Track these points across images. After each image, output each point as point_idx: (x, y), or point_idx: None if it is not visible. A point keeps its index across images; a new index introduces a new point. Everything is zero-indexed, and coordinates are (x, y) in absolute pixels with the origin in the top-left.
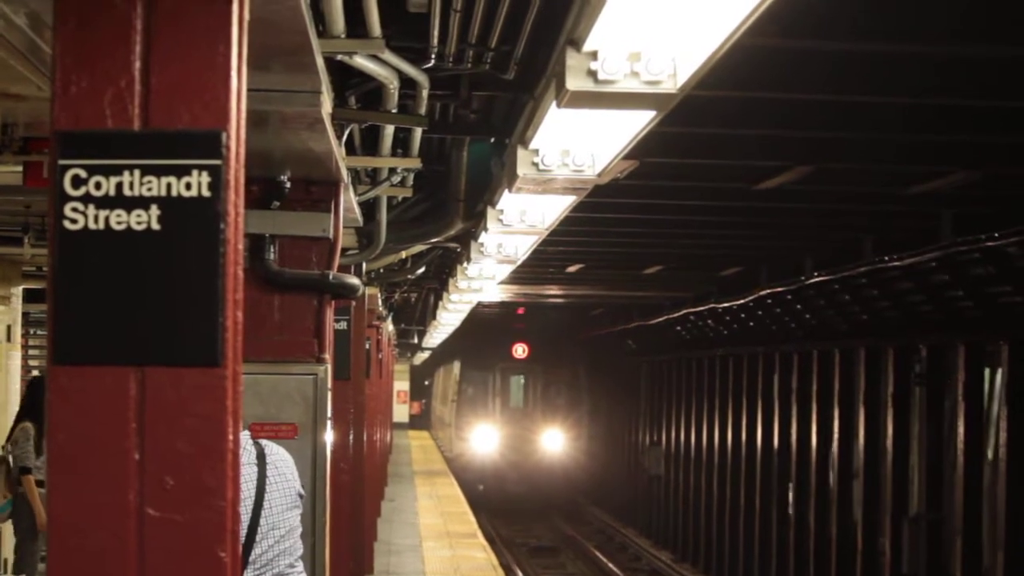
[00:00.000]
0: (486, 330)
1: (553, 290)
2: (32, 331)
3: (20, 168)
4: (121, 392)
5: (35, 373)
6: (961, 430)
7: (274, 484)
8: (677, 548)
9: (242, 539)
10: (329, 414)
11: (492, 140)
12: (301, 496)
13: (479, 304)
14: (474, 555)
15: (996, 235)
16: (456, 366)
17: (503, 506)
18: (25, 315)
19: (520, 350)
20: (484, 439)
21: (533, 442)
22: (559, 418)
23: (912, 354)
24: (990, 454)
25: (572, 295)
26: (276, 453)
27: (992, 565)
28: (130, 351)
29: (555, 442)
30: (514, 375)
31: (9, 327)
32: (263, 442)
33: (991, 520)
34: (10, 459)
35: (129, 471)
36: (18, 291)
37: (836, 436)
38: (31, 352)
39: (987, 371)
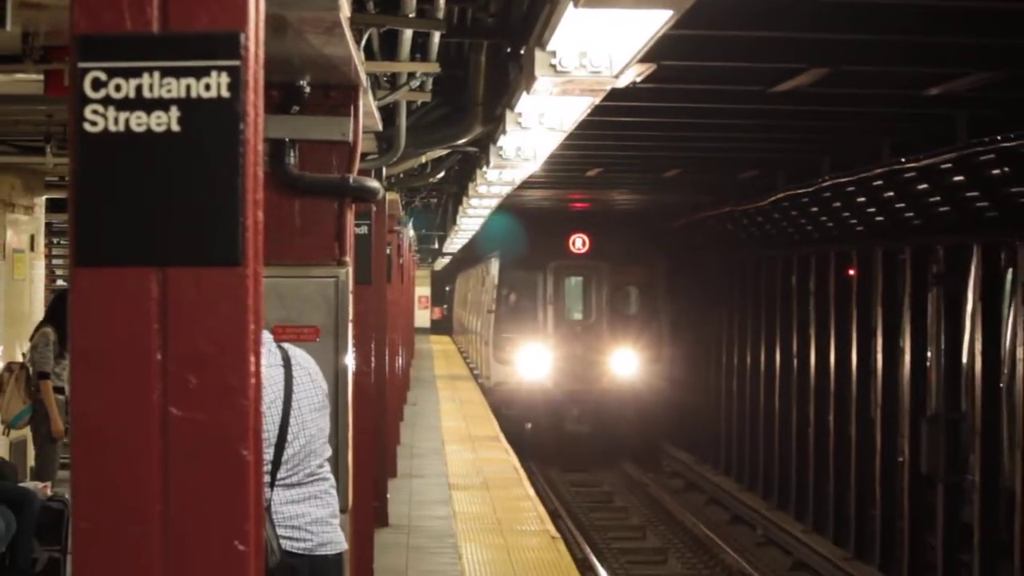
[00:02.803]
0: (532, 218)
1: (575, 195)
2: (56, 241)
3: (41, 77)
4: (143, 293)
5: (60, 283)
6: (979, 329)
7: (302, 386)
8: (696, 449)
9: (274, 440)
10: (351, 317)
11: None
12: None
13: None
14: (497, 456)
15: (1012, 136)
16: (493, 265)
17: (559, 452)
18: (48, 225)
19: (579, 243)
20: (533, 362)
21: (598, 365)
22: (632, 333)
23: (929, 255)
24: (1007, 352)
25: (593, 200)
26: (300, 356)
27: (1011, 463)
28: (151, 252)
29: (627, 365)
30: (571, 276)
31: (33, 237)
32: (286, 346)
33: (1009, 418)
34: (29, 365)
35: (152, 371)
36: (41, 201)
37: (854, 337)
38: (55, 262)
39: (1004, 270)
